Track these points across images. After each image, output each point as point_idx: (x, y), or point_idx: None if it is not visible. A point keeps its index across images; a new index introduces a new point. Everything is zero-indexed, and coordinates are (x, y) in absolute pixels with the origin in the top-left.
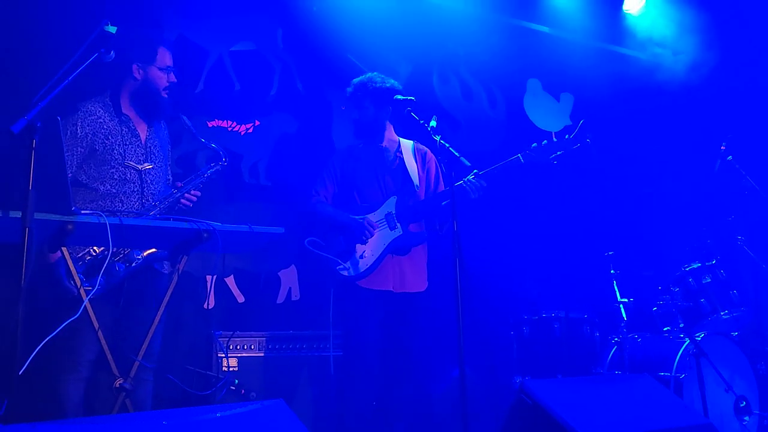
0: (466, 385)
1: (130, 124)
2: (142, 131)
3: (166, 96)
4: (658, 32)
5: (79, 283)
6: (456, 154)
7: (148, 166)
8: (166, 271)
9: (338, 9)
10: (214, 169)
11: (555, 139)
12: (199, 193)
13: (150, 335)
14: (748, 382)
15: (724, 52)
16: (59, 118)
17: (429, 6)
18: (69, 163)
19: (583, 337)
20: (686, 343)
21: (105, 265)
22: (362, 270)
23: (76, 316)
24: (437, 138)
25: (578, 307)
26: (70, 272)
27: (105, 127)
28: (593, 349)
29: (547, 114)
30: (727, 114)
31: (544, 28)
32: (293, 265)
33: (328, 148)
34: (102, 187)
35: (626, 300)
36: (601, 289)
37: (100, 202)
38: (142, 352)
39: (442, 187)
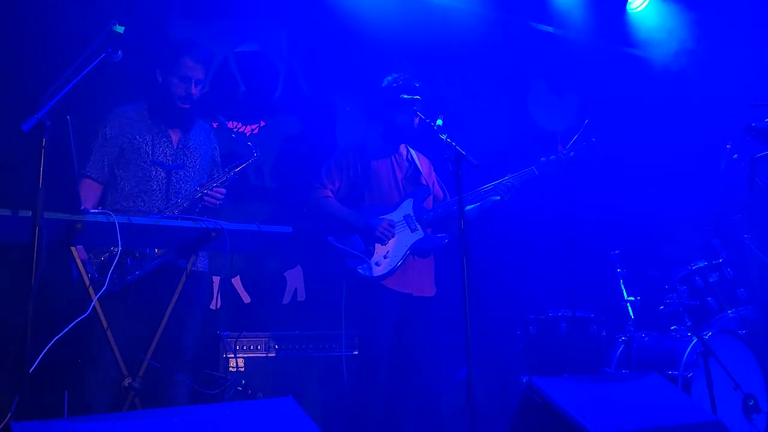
0: (473, 384)
1: (162, 126)
2: (175, 134)
3: (183, 106)
4: (662, 30)
5: (88, 283)
6: (463, 152)
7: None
8: (199, 269)
9: (343, 10)
10: (241, 166)
11: (560, 148)
12: (224, 191)
13: (159, 334)
14: (756, 381)
15: (731, 51)
16: (68, 117)
17: (433, 6)
18: (101, 164)
19: (589, 336)
20: (694, 341)
21: (114, 263)
22: (386, 271)
23: (85, 315)
24: (444, 137)
25: (585, 306)
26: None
27: (134, 127)
28: (600, 348)
29: (552, 115)
30: (734, 113)
31: (549, 28)
32: (299, 266)
33: (333, 150)
34: (127, 186)
35: (633, 299)
36: (608, 288)
37: (123, 202)
38: (150, 352)
39: (438, 191)
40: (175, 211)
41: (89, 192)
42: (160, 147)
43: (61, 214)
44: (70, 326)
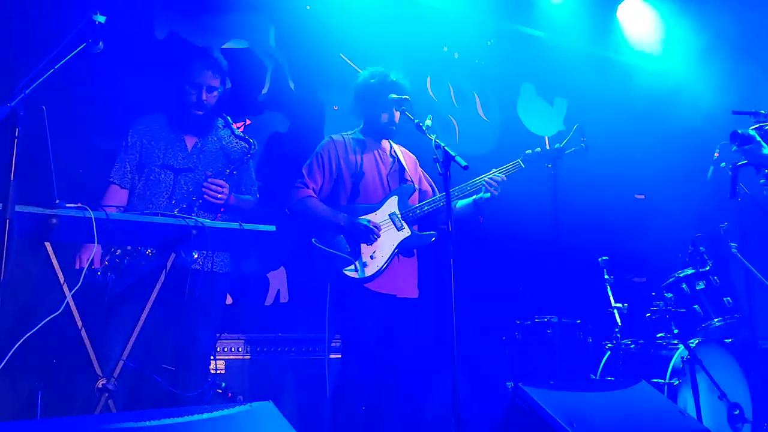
0: (459, 390)
1: (178, 132)
2: (190, 140)
3: (197, 113)
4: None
5: (62, 279)
6: (452, 153)
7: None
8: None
9: (331, 8)
10: (240, 160)
11: (548, 146)
12: (224, 185)
13: (135, 334)
14: (741, 390)
15: (720, 56)
16: (44, 108)
17: (423, 7)
18: (124, 170)
19: (576, 343)
20: (680, 349)
21: (106, 259)
22: (373, 272)
23: (58, 312)
24: (433, 137)
25: (571, 312)
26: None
27: (151, 134)
28: (586, 355)
29: (541, 118)
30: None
31: (539, 33)
32: (282, 267)
33: None
34: (140, 190)
35: (620, 305)
36: (595, 295)
37: (138, 205)
38: (126, 352)
39: (426, 187)
40: (175, 211)
41: (115, 197)
42: (172, 151)
43: (34, 208)
44: (40, 325)
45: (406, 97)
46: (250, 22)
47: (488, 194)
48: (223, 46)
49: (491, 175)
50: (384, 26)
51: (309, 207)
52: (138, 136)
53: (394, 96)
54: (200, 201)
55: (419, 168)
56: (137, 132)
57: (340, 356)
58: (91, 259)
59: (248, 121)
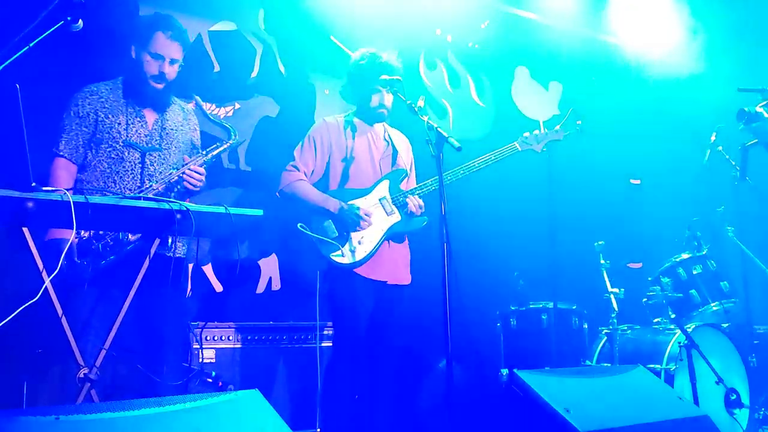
0: (452, 377)
1: (136, 106)
2: (150, 114)
3: (156, 86)
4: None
5: (41, 266)
6: (445, 134)
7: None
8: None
9: None
10: (221, 147)
11: (543, 130)
12: (203, 171)
13: (118, 322)
14: (738, 375)
15: (714, 40)
16: (18, 86)
17: None
18: (75, 143)
19: (571, 329)
20: (677, 334)
21: (68, 245)
22: (361, 258)
23: (35, 299)
24: (425, 118)
25: (567, 297)
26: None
27: (108, 105)
28: (582, 341)
29: (536, 102)
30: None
31: (533, 16)
32: (274, 254)
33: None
34: (99, 167)
35: (616, 291)
36: (591, 280)
37: (94, 183)
38: (109, 341)
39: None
40: (150, 193)
41: (64, 172)
42: (133, 127)
43: (8, 192)
44: (16, 312)
45: (398, 77)
46: (239, 4)
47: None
48: (210, 29)
49: (486, 157)
50: (376, 8)
51: (299, 191)
52: (91, 106)
53: (385, 77)
54: (179, 187)
55: (411, 153)
56: (90, 102)
57: (331, 344)
58: (69, 244)
59: (237, 105)
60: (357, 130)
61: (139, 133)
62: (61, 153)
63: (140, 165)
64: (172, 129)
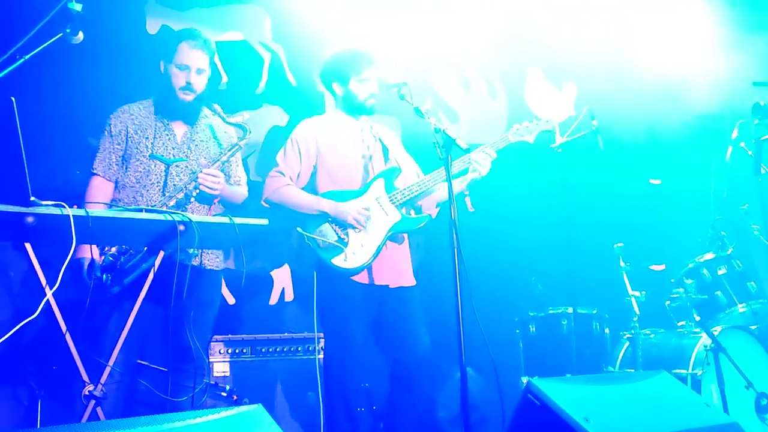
0: (468, 387)
1: (165, 121)
2: (180, 127)
3: (184, 97)
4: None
5: (44, 282)
6: (452, 137)
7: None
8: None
9: None
10: (235, 147)
11: (558, 133)
12: (218, 174)
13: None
14: None
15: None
16: (13, 99)
17: None
18: (108, 161)
19: (592, 334)
20: (702, 338)
21: (88, 261)
22: (364, 261)
23: (34, 316)
24: (433, 121)
25: (587, 302)
26: (91, 267)
27: (138, 122)
28: (604, 347)
29: (550, 104)
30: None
31: (546, 16)
32: (286, 264)
33: None
34: (128, 182)
35: (638, 294)
36: (611, 283)
37: (125, 199)
38: (113, 358)
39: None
40: (170, 203)
41: (100, 190)
42: (160, 140)
43: (6, 206)
44: (16, 328)
45: (405, 83)
46: (246, 14)
47: (475, 171)
48: (218, 39)
49: (477, 153)
50: (385, 13)
51: (288, 196)
52: (123, 124)
53: (391, 84)
54: (196, 192)
55: (402, 147)
56: (122, 120)
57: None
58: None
59: (246, 115)
60: (342, 127)
61: (167, 146)
62: (95, 171)
63: (164, 176)
64: (202, 141)
